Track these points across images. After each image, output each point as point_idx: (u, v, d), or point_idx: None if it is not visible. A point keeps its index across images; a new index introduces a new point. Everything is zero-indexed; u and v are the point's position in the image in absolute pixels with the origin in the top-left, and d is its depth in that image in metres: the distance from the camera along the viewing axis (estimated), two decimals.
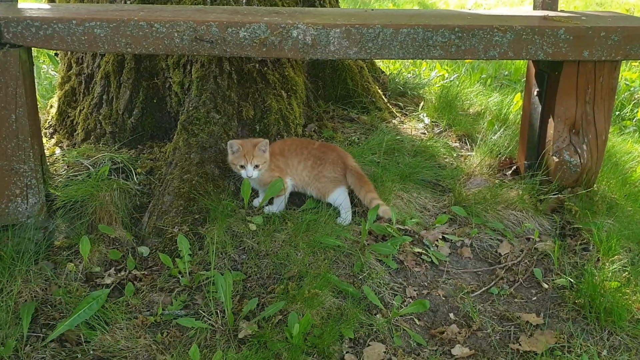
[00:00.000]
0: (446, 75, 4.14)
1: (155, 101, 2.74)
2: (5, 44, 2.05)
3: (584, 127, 2.43)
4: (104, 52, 2.66)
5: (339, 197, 2.32)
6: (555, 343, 1.87)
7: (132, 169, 2.50)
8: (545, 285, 2.12)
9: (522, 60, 4.36)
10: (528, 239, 2.34)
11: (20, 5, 2.37)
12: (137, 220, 2.33)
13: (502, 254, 2.27)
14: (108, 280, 2.04)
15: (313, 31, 2.14)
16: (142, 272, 2.08)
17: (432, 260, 2.21)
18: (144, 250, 2.16)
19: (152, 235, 2.21)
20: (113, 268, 2.11)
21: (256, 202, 2.38)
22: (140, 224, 2.30)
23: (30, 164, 2.13)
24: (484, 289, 2.11)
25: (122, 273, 2.08)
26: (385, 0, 8.13)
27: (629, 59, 2.25)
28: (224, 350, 1.74)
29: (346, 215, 2.31)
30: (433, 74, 4.12)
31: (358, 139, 2.97)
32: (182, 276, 2.02)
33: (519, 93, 3.62)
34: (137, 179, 2.47)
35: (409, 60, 4.41)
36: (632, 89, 4.30)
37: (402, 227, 2.33)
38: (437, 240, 2.31)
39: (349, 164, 2.37)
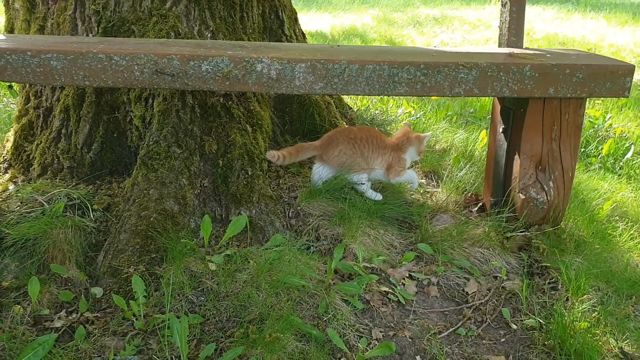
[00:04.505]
0: (413, 112, 4.15)
1: (115, 135, 2.66)
2: None
3: (551, 164, 2.42)
4: (61, 85, 2.59)
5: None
6: None
7: (88, 205, 2.40)
8: (514, 326, 2.07)
9: (487, 98, 4.41)
10: (495, 278, 2.30)
11: None
12: (92, 260, 2.22)
13: (470, 293, 2.22)
14: (58, 324, 1.92)
15: (278, 65, 2.11)
16: (95, 315, 1.97)
17: (398, 299, 2.15)
18: (97, 291, 2.05)
19: (107, 276, 2.11)
20: (64, 310, 2.00)
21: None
22: (95, 263, 2.19)
23: None
24: (451, 329, 2.05)
25: (74, 315, 1.97)
26: (355, 38, 8.22)
27: (593, 96, 2.27)
28: None
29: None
30: (400, 111, 4.12)
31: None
32: (136, 319, 1.92)
33: (485, 130, 3.63)
34: (93, 216, 2.37)
35: (376, 97, 4.43)
36: (596, 126, 4.37)
37: (368, 265, 2.27)
38: (404, 279, 2.25)
39: None
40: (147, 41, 2.39)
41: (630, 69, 2.24)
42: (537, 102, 2.34)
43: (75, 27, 2.69)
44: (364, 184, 2.61)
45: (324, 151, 2.62)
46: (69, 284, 2.09)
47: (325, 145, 2.62)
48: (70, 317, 1.96)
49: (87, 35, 2.66)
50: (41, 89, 2.78)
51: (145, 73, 2.06)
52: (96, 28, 2.65)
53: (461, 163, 3.09)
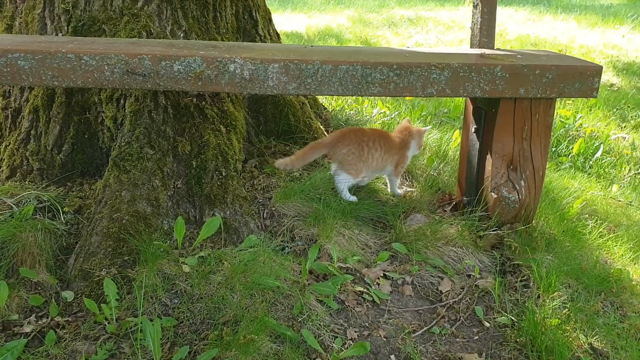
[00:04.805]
0: (387, 112, 4.17)
1: (86, 136, 2.62)
2: None
3: (522, 163, 2.45)
4: (29, 85, 2.54)
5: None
6: None
7: (59, 207, 2.36)
8: (487, 324, 2.09)
9: (460, 98, 4.45)
10: (469, 276, 2.32)
11: None
12: (62, 263, 2.18)
13: (443, 292, 2.23)
14: (27, 329, 1.89)
15: (251, 66, 2.10)
16: (66, 319, 1.94)
17: (373, 299, 2.15)
18: (68, 295, 2.02)
19: (78, 279, 2.08)
20: (34, 315, 1.96)
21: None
22: (66, 266, 2.16)
23: None
24: (425, 328, 2.06)
25: (44, 320, 1.94)
26: (330, 39, 8.23)
27: (563, 96, 2.30)
28: None
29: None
30: (375, 111, 4.14)
31: (300, 174, 2.92)
32: (108, 323, 1.89)
33: (458, 130, 3.66)
34: (64, 218, 2.33)
35: (351, 97, 4.44)
36: (566, 125, 4.44)
37: (343, 265, 2.28)
38: (379, 278, 2.26)
39: None
40: (117, 41, 2.36)
41: (598, 70, 2.28)
42: (508, 102, 2.37)
43: (44, 26, 2.64)
44: (340, 183, 2.62)
45: (333, 147, 2.64)
46: (39, 288, 2.06)
47: (336, 141, 2.64)
48: (40, 322, 1.92)
49: (57, 35, 2.62)
50: (9, 90, 2.73)
51: (115, 73, 2.04)
52: (66, 27, 2.61)
53: (435, 163, 3.11)
